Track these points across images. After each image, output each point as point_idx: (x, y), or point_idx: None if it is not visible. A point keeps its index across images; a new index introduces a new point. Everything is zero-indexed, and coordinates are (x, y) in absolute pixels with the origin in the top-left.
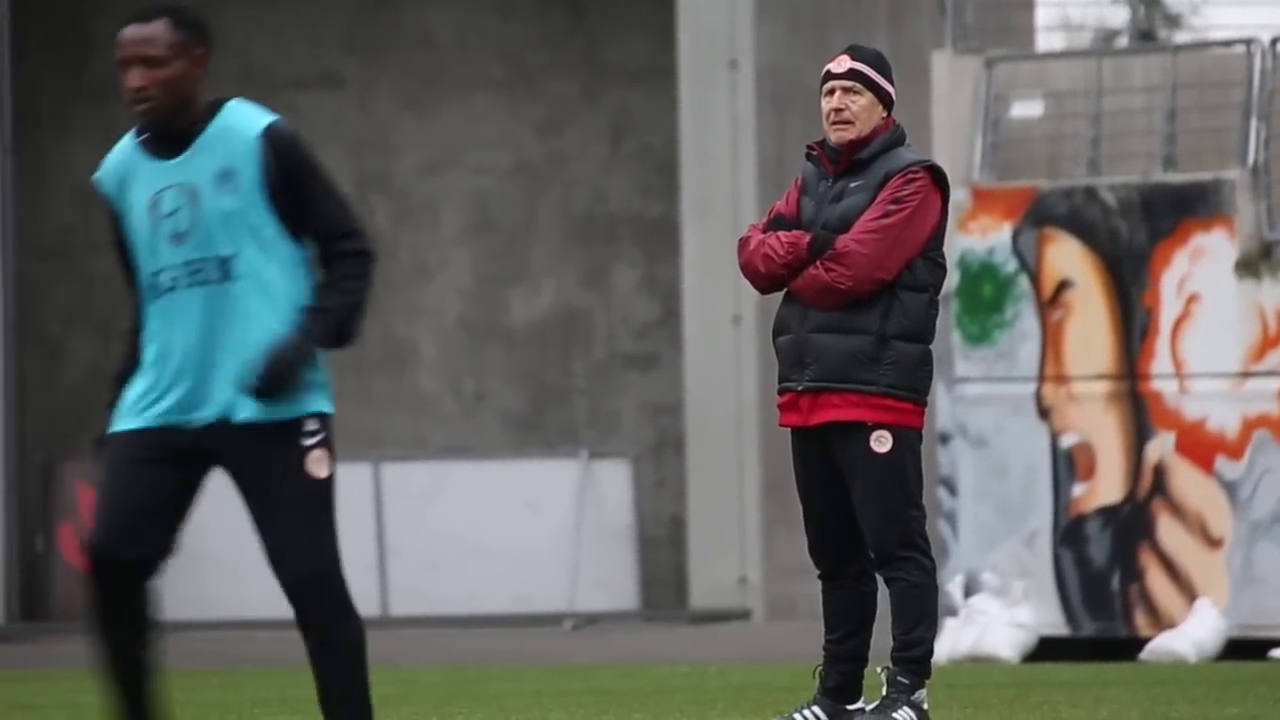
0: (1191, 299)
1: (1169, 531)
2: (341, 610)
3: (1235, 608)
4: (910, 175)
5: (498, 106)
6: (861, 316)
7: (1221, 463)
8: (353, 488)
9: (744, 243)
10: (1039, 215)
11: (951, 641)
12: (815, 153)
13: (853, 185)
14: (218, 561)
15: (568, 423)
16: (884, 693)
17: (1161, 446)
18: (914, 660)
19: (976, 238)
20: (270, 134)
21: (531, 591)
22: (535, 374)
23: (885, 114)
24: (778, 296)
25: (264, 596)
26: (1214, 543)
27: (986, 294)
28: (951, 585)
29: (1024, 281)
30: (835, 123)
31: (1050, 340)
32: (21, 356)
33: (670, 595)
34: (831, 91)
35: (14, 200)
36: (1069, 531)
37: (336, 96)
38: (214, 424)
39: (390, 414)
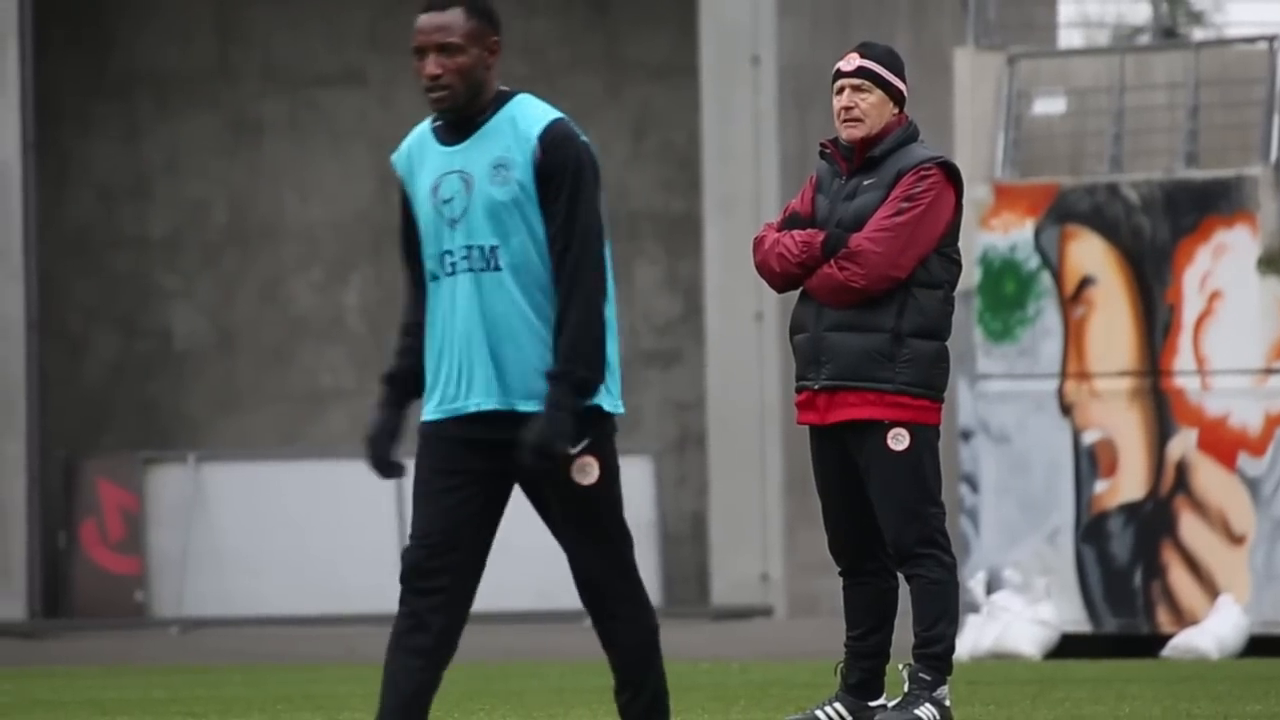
0: (1214, 295)
1: (1191, 528)
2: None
3: (1257, 604)
4: (923, 172)
5: None
6: (876, 315)
7: (1244, 459)
8: (374, 484)
9: (759, 242)
10: (1061, 212)
11: (973, 638)
12: (828, 150)
13: (866, 183)
14: (238, 559)
15: None
16: (905, 689)
17: (1184, 443)
18: (935, 657)
19: (999, 234)
20: (549, 130)
21: (554, 588)
22: None
23: (897, 111)
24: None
25: (284, 593)
26: (1236, 539)
27: (1009, 291)
28: (973, 582)
29: (1046, 278)
30: (845, 120)
31: (1072, 337)
32: (43, 353)
33: (692, 591)
34: (841, 90)
35: (36, 197)
36: (1091, 528)
37: (359, 93)
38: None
39: (412, 410)
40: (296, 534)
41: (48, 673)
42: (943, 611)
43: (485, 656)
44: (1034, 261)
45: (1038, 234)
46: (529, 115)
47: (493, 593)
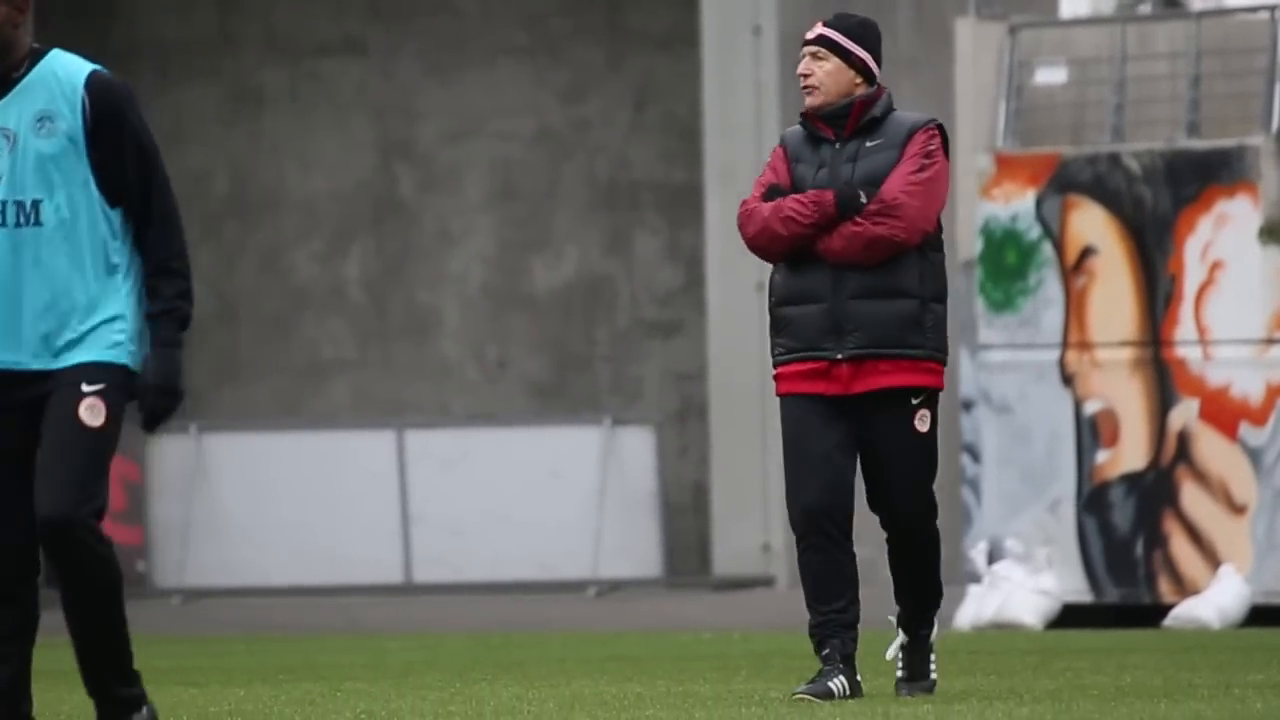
0: (1215, 265)
1: (1193, 498)
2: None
3: (1259, 574)
4: (933, 132)
5: (521, 73)
6: (902, 279)
7: (1245, 429)
8: (376, 455)
9: (749, 215)
10: (1063, 182)
11: (975, 608)
12: (807, 118)
13: (870, 145)
14: (241, 529)
15: (591, 390)
16: (903, 641)
17: (1185, 413)
18: (933, 614)
19: (1000, 204)
20: (92, 81)
21: (555, 559)
22: (558, 341)
23: (859, 79)
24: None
25: (286, 563)
26: (1238, 509)
27: (1010, 261)
28: (975, 552)
29: (1047, 248)
30: (803, 87)
31: (1074, 307)
32: None
33: (694, 562)
34: (802, 57)
35: None
36: (1092, 498)
37: (360, 63)
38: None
39: (413, 382)
40: (298, 504)
41: (49, 643)
42: (936, 569)
43: (486, 627)
44: (1035, 231)
45: (1039, 204)
46: (69, 67)
47: (494, 563)
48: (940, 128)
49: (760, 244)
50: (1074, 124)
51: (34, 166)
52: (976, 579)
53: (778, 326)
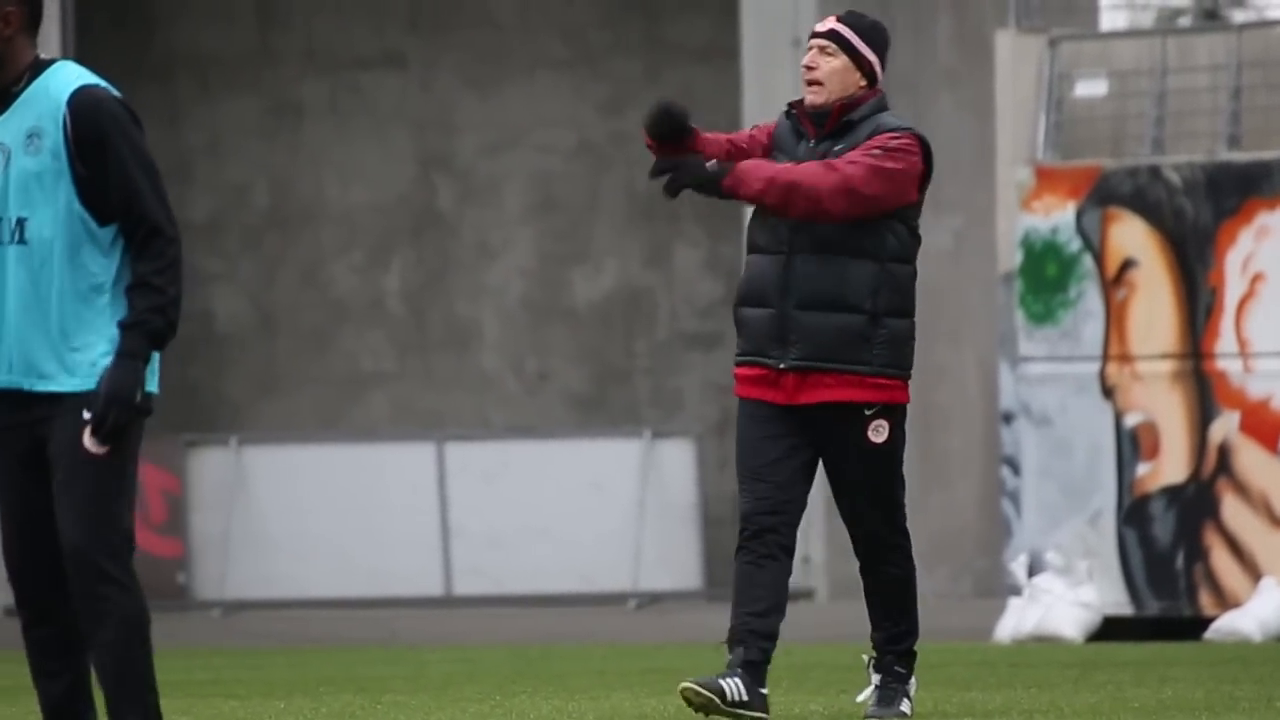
0: (1256, 278)
1: (1233, 511)
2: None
3: None
4: (896, 134)
5: (560, 86)
6: (852, 292)
7: None
8: (416, 467)
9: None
10: (1103, 194)
11: (1015, 621)
12: (794, 112)
13: (837, 148)
14: (280, 541)
15: (631, 402)
16: (877, 684)
17: (1226, 426)
18: (908, 652)
19: (1040, 217)
20: (76, 97)
21: (595, 571)
22: (598, 353)
23: (864, 82)
24: None
25: (325, 576)
26: (1278, 522)
27: (1050, 273)
28: (1015, 565)
29: (1088, 261)
30: (807, 82)
31: (1114, 319)
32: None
33: (733, 574)
34: (809, 49)
35: None
36: (1133, 511)
37: (399, 76)
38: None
39: (453, 394)
40: (338, 517)
41: None
42: (912, 604)
43: (526, 639)
44: (1075, 244)
45: (1079, 216)
46: (60, 82)
47: (533, 576)
48: (919, 138)
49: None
50: (1114, 136)
51: (21, 184)
52: (1017, 591)
53: (737, 326)
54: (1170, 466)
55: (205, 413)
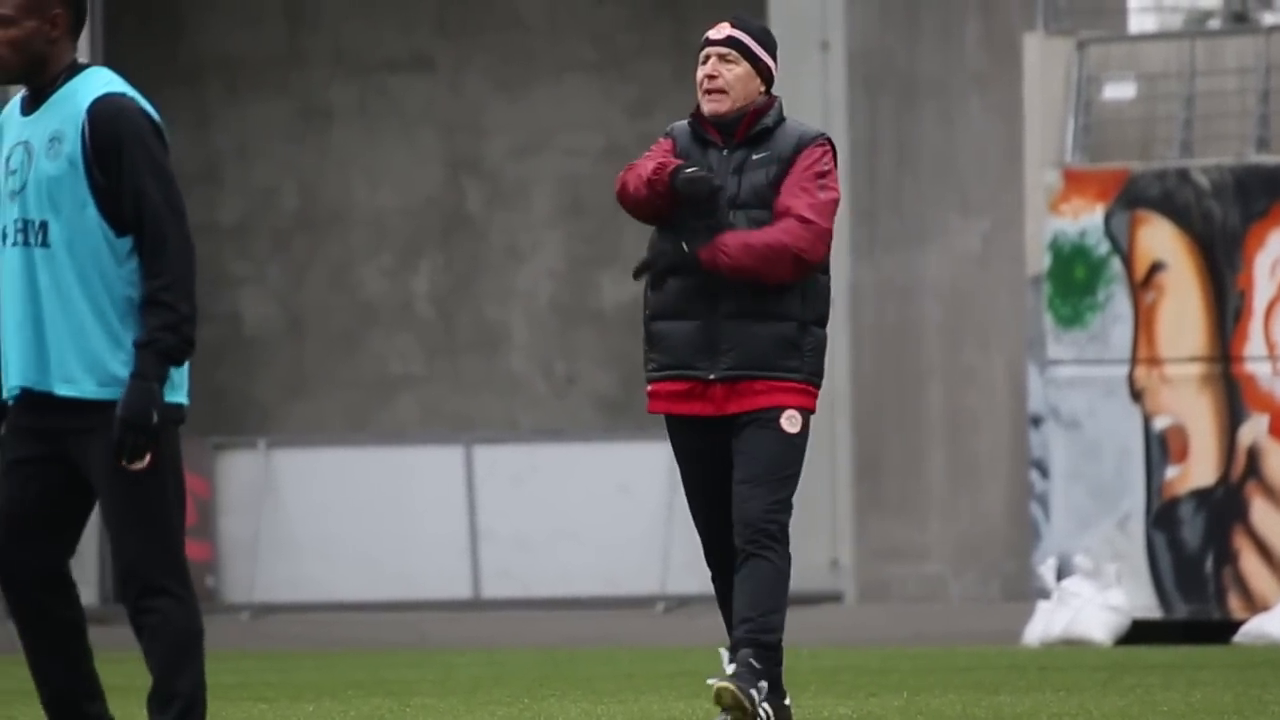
0: None
1: (1263, 514)
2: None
3: None
4: (825, 148)
5: (589, 89)
6: (782, 301)
7: None
8: (444, 470)
9: (622, 185)
10: (1131, 197)
11: (1044, 624)
12: (697, 120)
13: (756, 157)
14: (310, 544)
15: None
16: (730, 671)
17: (1255, 429)
18: (770, 646)
19: (1069, 220)
20: (97, 105)
21: (623, 574)
22: (626, 356)
23: (763, 88)
24: (873, 277)
25: (354, 579)
26: None
27: (1079, 276)
28: (1044, 568)
29: (1116, 264)
30: (708, 91)
31: (1143, 323)
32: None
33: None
34: (706, 59)
35: None
36: (1162, 514)
37: (428, 79)
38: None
39: (482, 396)
40: (366, 520)
41: (119, 658)
42: (782, 601)
43: (554, 642)
44: (1104, 247)
45: (1108, 219)
46: (87, 88)
47: (562, 579)
48: (829, 142)
49: (625, 203)
50: (1143, 139)
51: (43, 187)
52: (1045, 595)
53: (650, 341)
54: (1199, 469)
55: (234, 416)
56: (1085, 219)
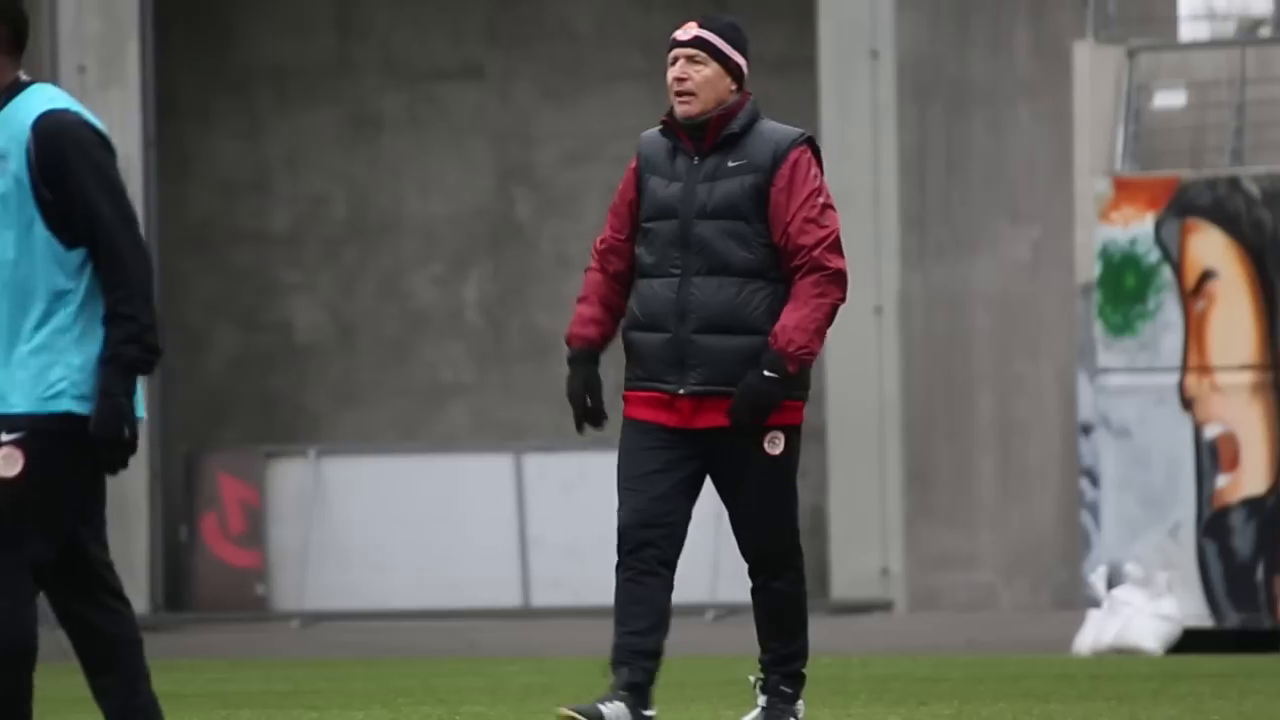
0: None
1: None
2: None
3: None
4: (804, 152)
5: (638, 97)
6: (750, 315)
7: None
8: (495, 478)
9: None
10: (1182, 205)
11: (1095, 633)
12: (669, 125)
13: (731, 164)
14: (360, 553)
15: None
16: (764, 704)
17: None
18: (796, 673)
19: (1119, 228)
20: (41, 122)
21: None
22: None
23: (734, 86)
24: (923, 285)
25: (404, 587)
26: None
27: (1129, 284)
28: (1094, 576)
29: (1167, 272)
30: (678, 94)
31: (1193, 331)
32: (164, 348)
33: (812, 586)
34: (675, 60)
35: (156, 192)
36: (1213, 523)
37: (477, 87)
38: None
39: (532, 405)
40: (417, 528)
41: (170, 665)
42: (804, 624)
43: (604, 651)
44: (1154, 255)
45: (1158, 227)
46: (31, 105)
47: (612, 587)
48: (809, 142)
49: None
50: (1193, 147)
51: None
52: (1096, 603)
53: (627, 351)
54: (1250, 478)
55: (284, 424)
56: (1135, 227)
